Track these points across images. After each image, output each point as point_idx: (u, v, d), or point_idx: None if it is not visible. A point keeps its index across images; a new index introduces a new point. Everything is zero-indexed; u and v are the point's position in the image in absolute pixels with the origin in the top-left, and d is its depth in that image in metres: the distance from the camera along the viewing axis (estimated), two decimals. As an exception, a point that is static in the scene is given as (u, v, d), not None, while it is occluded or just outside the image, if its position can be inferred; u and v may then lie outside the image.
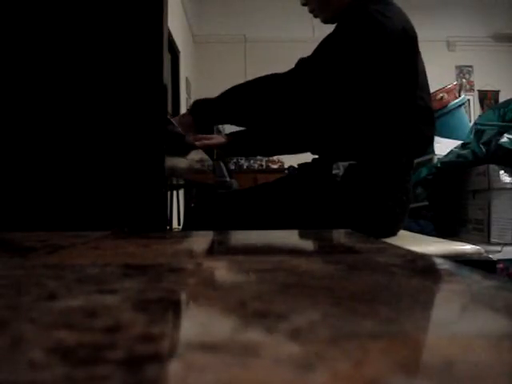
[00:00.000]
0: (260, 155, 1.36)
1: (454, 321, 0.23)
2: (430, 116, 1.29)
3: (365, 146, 1.21)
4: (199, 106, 1.28)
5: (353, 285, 0.29)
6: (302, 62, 1.23)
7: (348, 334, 0.19)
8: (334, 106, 1.19)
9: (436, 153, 2.64)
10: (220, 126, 5.13)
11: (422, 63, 1.28)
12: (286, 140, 1.26)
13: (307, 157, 1.32)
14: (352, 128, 1.20)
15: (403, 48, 1.18)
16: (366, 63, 1.16)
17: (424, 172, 2.62)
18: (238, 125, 1.33)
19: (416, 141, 1.25)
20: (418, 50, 1.25)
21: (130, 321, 0.20)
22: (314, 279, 0.31)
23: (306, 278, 0.32)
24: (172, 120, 1.18)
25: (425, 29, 7.04)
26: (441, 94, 2.98)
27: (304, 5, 1.36)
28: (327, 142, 1.24)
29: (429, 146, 1.35)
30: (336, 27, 1.23)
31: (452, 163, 2.45)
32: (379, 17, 1.15)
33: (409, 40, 1.21)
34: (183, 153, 1.27)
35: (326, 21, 1.35)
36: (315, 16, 1.36)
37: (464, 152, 2.40)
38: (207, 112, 1.27)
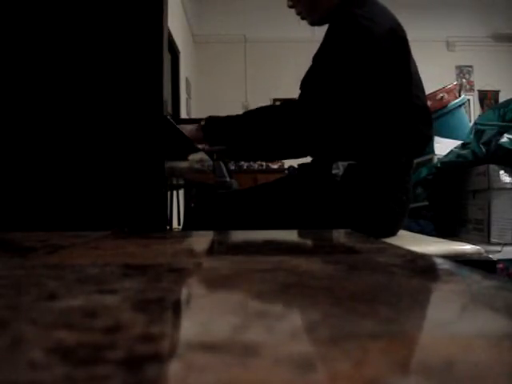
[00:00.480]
0: (260, 160, 1.35)
1: (453, 321, 0.23)
2: (427, 115, 1.29)
3: (364, 146, 1.21)
4: (212, 124, 1.27)
5: (353, 285, 0.29)
6: (304, 86, 1.23)
7: (348, 334, 0.19)
8: (334, 109, 1.19)
9: (436, 153, 2.64)
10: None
11: (414, 62, 1.28)
12: (287, 146, 1.26)
13: (307, 157, 1.32)
14: (351, 128, 1.21)
15: (393, 48, 1.19)
16: (359, 70, 1.16)
17: (424, 172, 2.62)
18: (248, 146, 1.29)
19: (415, 140, 1.25)
20: (408, 48, 1.25)
21: (130, 321, 0.20)
22: (314, 279, 0.31)
23: (305, 278, 0.32)
24: (171, 119, 1.17)
25: (425, 29, 7.07)
26: (441, 94, 2.98)
27: (291, 7, 1.37)
28: (327, 142, 1.24)
29: (428, 145, 1.34)
30: (324, 37, 1.23)
31: (452, 163, 2.45)
32: (365, 22, 1.16)
33: (398, 39, 1.21)
34: (184, 153, 1.27)
35: (313, 23, 1.36)
36: (302, 18, 1.37)
37: (464, 152, 2.40)
38: (219, 132, 1.26)
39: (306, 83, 1.24)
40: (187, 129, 1.28)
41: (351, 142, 1.22)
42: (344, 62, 1.16)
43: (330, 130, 1.20)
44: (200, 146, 1.29)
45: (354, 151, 1.22)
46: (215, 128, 1.26)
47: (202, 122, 1.28)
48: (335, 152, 1.24)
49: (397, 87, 1.20)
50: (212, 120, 1.27)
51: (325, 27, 1.31)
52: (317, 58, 1.23)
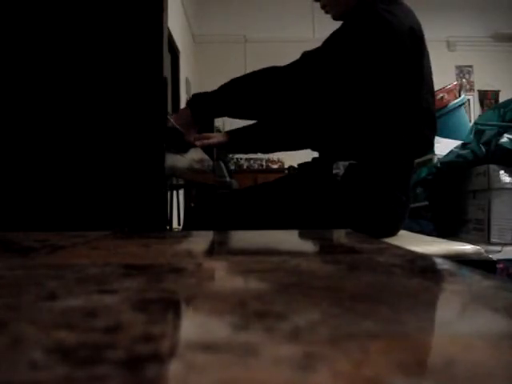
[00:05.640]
0: (260, 152, 1.35)
1: (454, 321, 0.23)
2: (432, 118, 1.28)
3: (366, 146, 1.21)
4: (198, 98, 1.27)
5: (353, 285, 0.29)
6: (306, 56, 1.22)
7: (348, 334, 0.19)
8: (337, 103, 1.18)
9: (436, 153, 2.64)
10: (220, 125, 5.11)
11: (429, 64, 1.28)
12: (287, 136, 1.26)
13: (307, 156, 1.32)
14: (354, 127, 1.20)
15: (410, 48, 1.18)
16: (371, 60, 1.15)
17: (424, 172, 2.62)
18: (237, 117, 1.31)
19: (417, 142, 1.25)
20: (425, 51, 1.24)
21: (130, 321, 0.20)
22: (313, 279, 0.31)
23: (305, 277, 0.32)
24: (170, 118, 1.17)
25: (425, 29, 7.05)
26: (441, 94, 2.98)
27: (316, 0, 1.36)
28: (329, 140, 1.24)
29: (430, 148, 1.34)
30: (343, 24, 1.22)
31: (452, 163, 2.45)
32: (386, 15, 1.15)
33: (416, 40, 1.20)
34: (182, 150, 1.27)
35: (335, 17, 1.34)
36: (326, 12, 1.35)
37: (464, 152, 2.40)
38: (206, 105, 1.26)
39: (309, 53, 1.22)
40: (174, 115, 1.28)
41: (353, 142, 1.22)
42: (358, 51, 1.15)
43: (329, 119, 1.19)
44: (198, 143, 1.28)
45: (356, 151, 1.21)
46: (202, 101, 1.26)
47: (188, 98, 1.28)
48: (336, 151, 1.23)
49: (407, 87, 1.19)
50: (198, 95, 1.27)
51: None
52: (330, 38, 1.21)
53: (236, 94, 1.24)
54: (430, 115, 1.26)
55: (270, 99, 1.21)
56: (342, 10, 1.31)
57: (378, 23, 1.15)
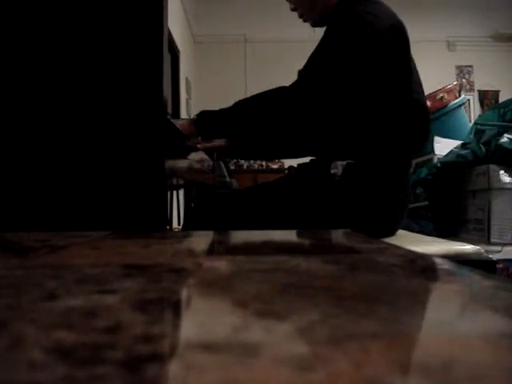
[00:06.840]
0: (260, 159, 1.36)
1: (453, 321, 0.23)
2: (423, 109, 1.29)
3: (363, 145, 1.21)
4: (205, 117, 1.26)
5: (353, 285, 0.29)
6: (303, 74, 1.22)
7: (348, 334, 0.19)
8: (333, 107, 1.19)
9: (436, 153, 2.64)
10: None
11: (413, 60, 1.29)
12: (287, 145, 1.26)
13: (305, 157, 1.32)
14: (350, 127, 1.20)
15: (394, 45, 1.19)
16: (359, 63, 1.16)
17: (424, 172, 2.61)
18: (243, 139, 1.30)
19: (414, 136, 1.25)
20: (409, 44, 1.25)
21: (130, 321, 0.20)
22: (314, 279, 0.31)
23: (305, 278, 0.32)
24: (173, 121, 1.17)
25: (425, 29, 7.07)
26: (441, 94, 2.98)
27: (293, 10, 1.37)
28: (326, 141, 1.24)
29: (427, 142, 1.35)
30: (325, 32, 1.23)
31: (452, 163, 2.45)
32: (367, 16, 1.16)
33: (399, 36, 1.21)
34: (184, 153, 1.27)
35: (315, 24, 1.35)
36: (304, 20, 1.37)
37: (464, 152, 2.40)
38: (212, 125, 1.25)
39: (304, 71, 1.23)
40: (179, 123, 1.28)
41: (350, 141, 1.22)
42: (346, 55, 1.15)
43: (326, 122, 1.19)
44: (200, 146, 1.29)
45: (353, 150, 1.22)
46: (208, 121, 1.26)
47: (194, 117, 1.28)
48: (334, 150, 1.24)
49: (397, 83, 1.20)
50: (204, 114, 1.27)
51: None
52: (317, 49, 1.22)
53: (244, 117, 1.22)
54: (420, 106, 1.27)
55: (277, 120, 1.20)
56: (318, 17, 1.32)
57: (361, 26, 1.15)
